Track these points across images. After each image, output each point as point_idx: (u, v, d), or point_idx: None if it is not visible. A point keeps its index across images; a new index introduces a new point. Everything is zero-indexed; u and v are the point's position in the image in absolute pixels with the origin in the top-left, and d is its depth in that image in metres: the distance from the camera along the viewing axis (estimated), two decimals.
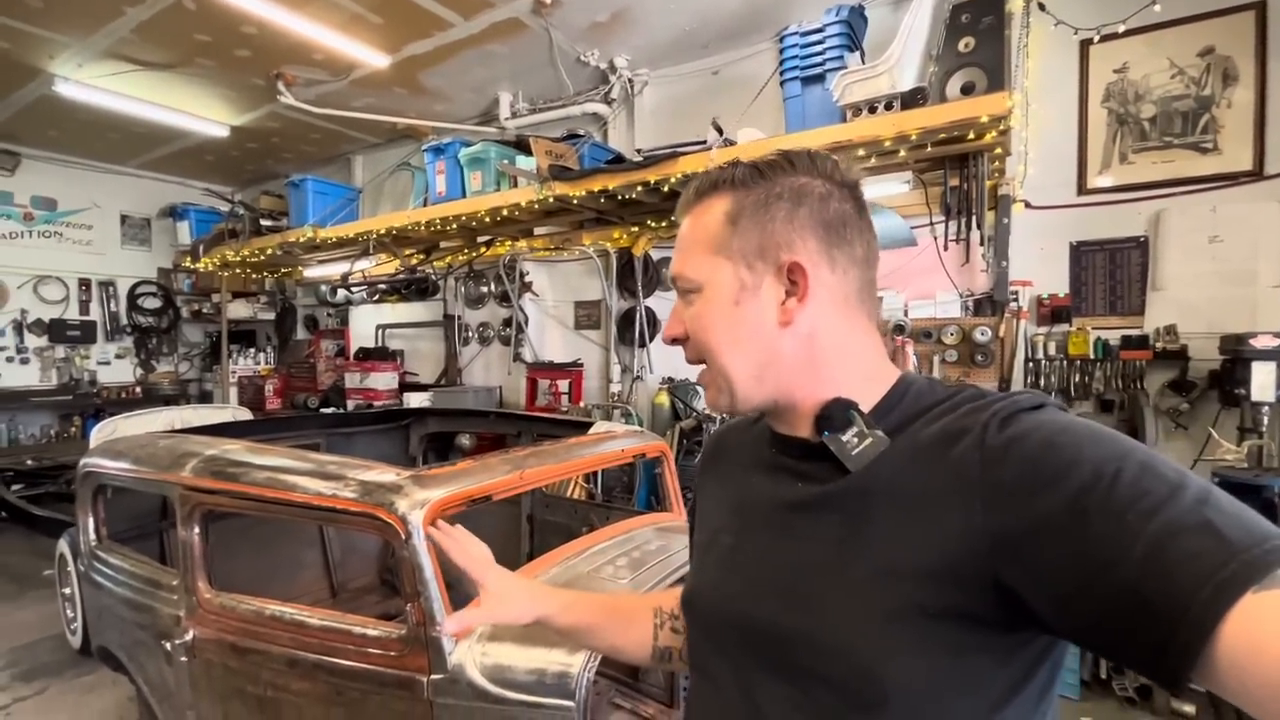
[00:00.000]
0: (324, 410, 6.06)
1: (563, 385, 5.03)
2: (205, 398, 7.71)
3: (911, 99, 2.80)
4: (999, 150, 2.98)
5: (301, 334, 7.63)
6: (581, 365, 5.02)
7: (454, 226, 4.55)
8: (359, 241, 5.16)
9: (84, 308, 7.11)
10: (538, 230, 5.09)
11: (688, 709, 0.80)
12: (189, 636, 1.78)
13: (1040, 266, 3.57)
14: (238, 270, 6.55)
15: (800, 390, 0.69)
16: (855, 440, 0.64)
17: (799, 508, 0.68)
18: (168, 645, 1.79)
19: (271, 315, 7.69)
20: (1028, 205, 3.54)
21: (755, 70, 4.21)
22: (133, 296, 7.41)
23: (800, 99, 3.30)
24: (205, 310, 7.78)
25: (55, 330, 6.85)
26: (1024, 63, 3.40)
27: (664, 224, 4.37)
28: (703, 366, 0.73)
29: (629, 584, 1.69)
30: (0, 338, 6.54)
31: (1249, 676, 0.41)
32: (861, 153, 2.92)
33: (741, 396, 0.70)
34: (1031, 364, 3.50)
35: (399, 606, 3.29)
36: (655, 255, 4.76)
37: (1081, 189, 3.52)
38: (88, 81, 4.91)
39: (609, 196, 3.77)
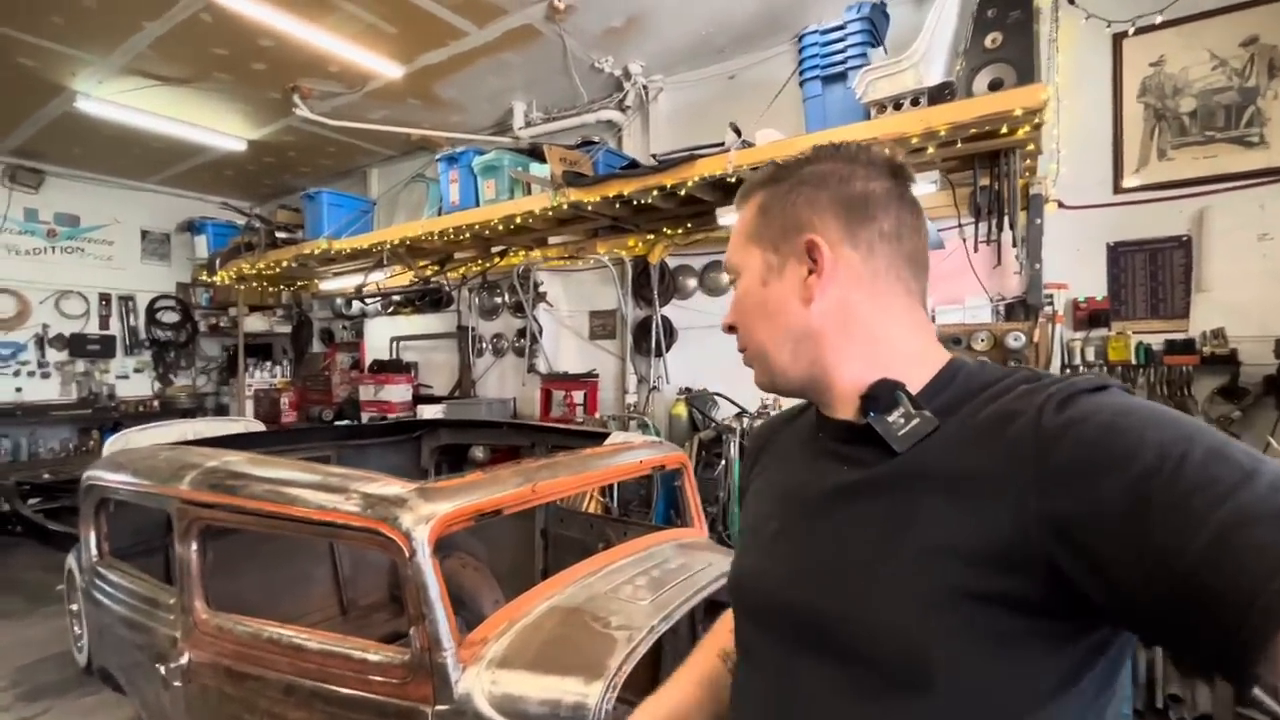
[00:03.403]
0: (337, 423, 6.02)
1: (578, 396, 4.93)
2: (222, 411, 7.72)
3: (939, 94, 2.69)
4: (1031, 147, 2.85)
5: (318, 347, 7.63)
6: (597, 376, 4.92)
7: (466, 236, 4.49)
8: (373, 253, 5.12)
9: (104, 322, 7.17)
10: (552, 239, 5.02)
11: (734, 693, 0.79)
12: (185, 660, 1.69)
13: (1076, 268, 3.41)
14: (254, 284, 6.56)
15: (837, 367, 0.69)
16: (902, 421, 0.63)
17: (845, 492, 0.67)
18: (162, 669, 1.69)
19: (288, 328, 7.71)
20: (1061, 205, 3.39)
21: (772, 73, 4.13)
22: (151, 311, 7.46)
23: (821, 99, 3.20)
24: (222, 324, 7.81)
25: (75, 345, 6.91)
26: (1054, 58, 3.28)
27: (680, 231, 4.28)
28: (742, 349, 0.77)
29: (649, 605, 1.56)
30: (22, 352, 6.60)
31: None
32: (887, 152, 2.80)
33: (779, 372, 0.73)
34: (1068, 370, 3.33)
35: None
36: (671, 263, 4.67)
37: (1118, 187, 3.37)
38: (108, 98, 4.96)
39: (624, 202, 3.68)
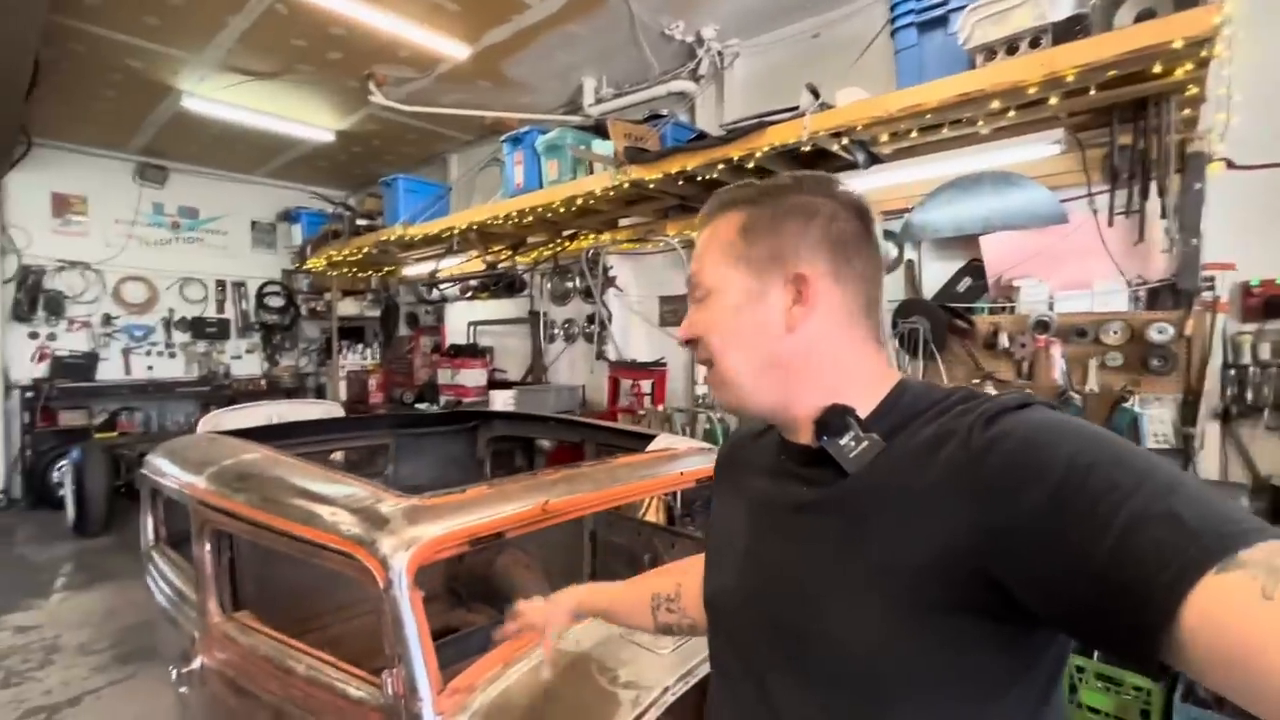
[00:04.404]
0: (417, 405, 6.18)
1: (645, 386, 4.71)
2: (320, 391, 8.20)
3: (1067, 31, 2.18)
4: (1193, 91, 2.27)
5: (404, 330, 7.91)
6: (665, 365, 4.68)
7: (530, 220, 4.36)
8: (444, 239, 5.13)
9: (220, 306, 7.79)
10: (621, 221, 4.80)
11: (709, 711, 0.84)
12: (197, 664, 1.64)
13: (1247, 244, 2.73)
14: (344, 269, 6.84)
15: (800, 397, 0.72)
16: (852, 444, 0.66)
17: (803, 510, 0.71)
18: (174, 673, 1.65)
19: (377, 312, 8.03)
20: (1230, 165, 2.72)
21: (862, 29, 3.65)
22: (260, 296, 8.01)
23: (916, 49, 2.74)
24: (319, 308, 8.27)
25: (196, 327, 7.54)
26: None
27: None
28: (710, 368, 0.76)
29: (670, 655, 1.32)
30: (152, 334, 7.28)
31: (1210, 654, 0.42)
32: (996, 105, 2.33)
33: (746, 395, 0.74)
34: (1234, 370, 2.70)
35: (462, 619, 3.13)
36: None
37: None
38: (210, 95, 5.25)
39: (689, 179, 3.39)
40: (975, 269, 3.36)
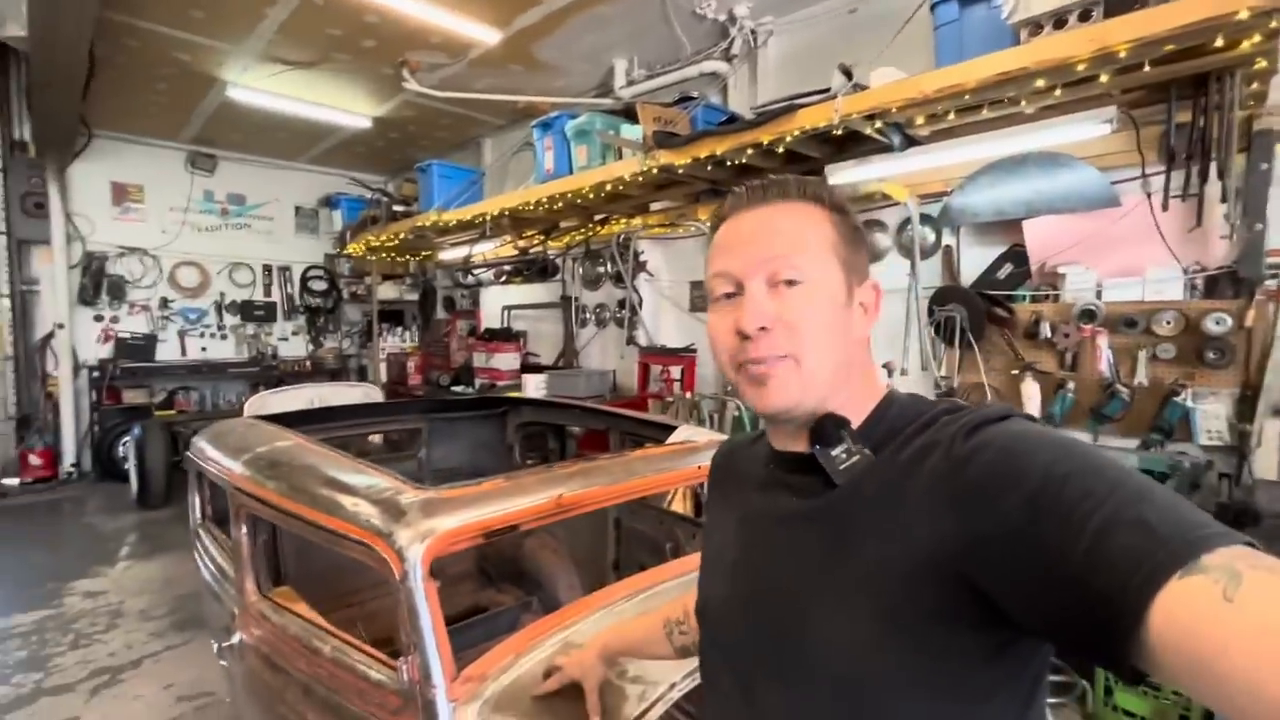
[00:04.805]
0: (453, 388, 6.32)
1: (675, 372, 4.71)
2: (362, 373, 8.46)
3: (1120, 2, 2.04)
4: (1261, 65, 2.10)
5: (442, 314, 8.06)
6: (695, 351, 4.65)
7: (560, 206, 4.36)
8: (477, 224, 5.19)
9: (267, 290, 8.08)
10: (652, 205, 4.77)
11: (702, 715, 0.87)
12: (236, 639, 1.73)
13: None
14: (383, 254, 6.99)
15: (836, 398, 0.71)
16: (844, 456, 0.68)
17: (791, 521, 0.72)
18: (216, 646, 1.75)
19: (415, 296, 8.20)
20: None
21: (900, 3, 3.48)
22: (304, 279, 8.27)
23: (956, 24, 2.61)
24: (359, 292, 8.49)
25: (245, 310, 7.85)
26: None
27: None
28: (762, 359, 0.70)
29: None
30: (205, 317, 7.62)
31: (1175, 657, 0.43)
32: (1041, 84, 2.21)
33: (815, 392, 0.71)
34: None
35: (491, 599, 3.21)
36: None
37: None
38: (252, 85, 5.40)
39: (718, 163, 3.33)
40: (1017, 255, 3.22)
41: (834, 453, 0.68)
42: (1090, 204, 2.89)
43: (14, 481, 6.21)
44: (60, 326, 6.47)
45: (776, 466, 0.78)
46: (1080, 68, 2.08)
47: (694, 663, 1.28)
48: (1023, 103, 2.41)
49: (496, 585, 3.22)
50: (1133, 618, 0.44)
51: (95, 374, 6.60)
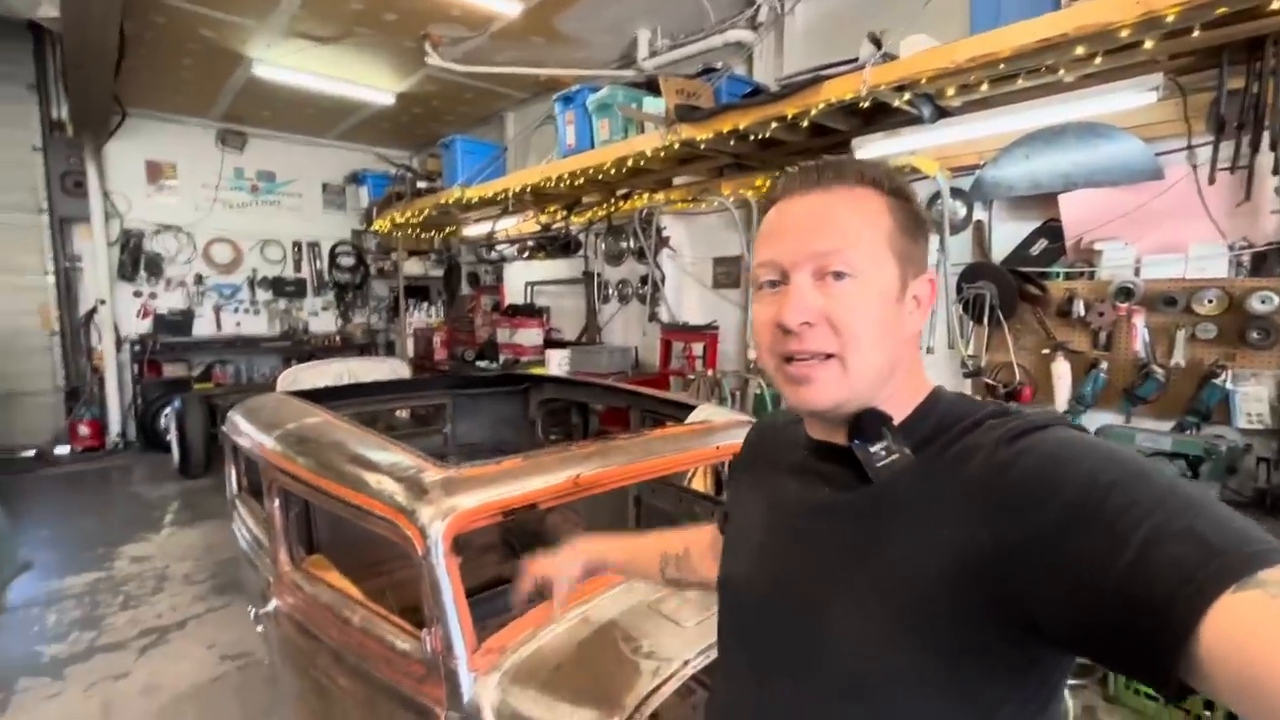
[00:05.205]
0: (478, 363, 6.41)
1: (697, 349, 4.69)
2: (390, 348, 8.61)
3: None
4: None
5: (466, 290, 8.13)
6: (717, 328, 4.63)
7: (581, 182, 4.33)
8: (499, 200, 5.19)
9: (297, 266, 8.23)
10: (676, 180, 4.71)
11: (712, 693, 0.88)
12: (271, 607, 1.81)
13: None
14: (408, 230, 7.05)
15: (880, 394, 0.69)
16: (883, 453, 0.66)
17: (821, 511, 0.72)
18: (252, 612, 1.84)
19: (440, 272, 8.27)
20: None
21: None
22: (332, 255, 8.40)
23: None
24: (386, 268, 8.59)
25: (277, 286, 8.02)
26: None
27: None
28: (803, 356, 0.68)
29: (693, 628, 1.35)
30: (239, 293, 7.81)
31: (1226, 672, 0.41)
32: (1081, 51, 2.10)
33: (859, 394, 0.68)
34: None
35: (516, 569, 3.30)
36: None
37: None
38: (277, 62, 5.43)
39: (741, 137, 3.26)
40: (1051, 230, 3.11)
41: (873, 449, 0.66)
42: (1132, 176, 2.77)
43: (65, 450, 6.52)
44: (102, 302, 6.70)
45: (812, 454, 0.76)
46: (1124, 33, 1.97)
47: (707, 640, 1.31)
48: (1060, 71, 2.30)
49: (520, 557, 3.29)
50: (1182, 630, 0.43)
51: (136, 348, 6.83)
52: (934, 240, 3.44)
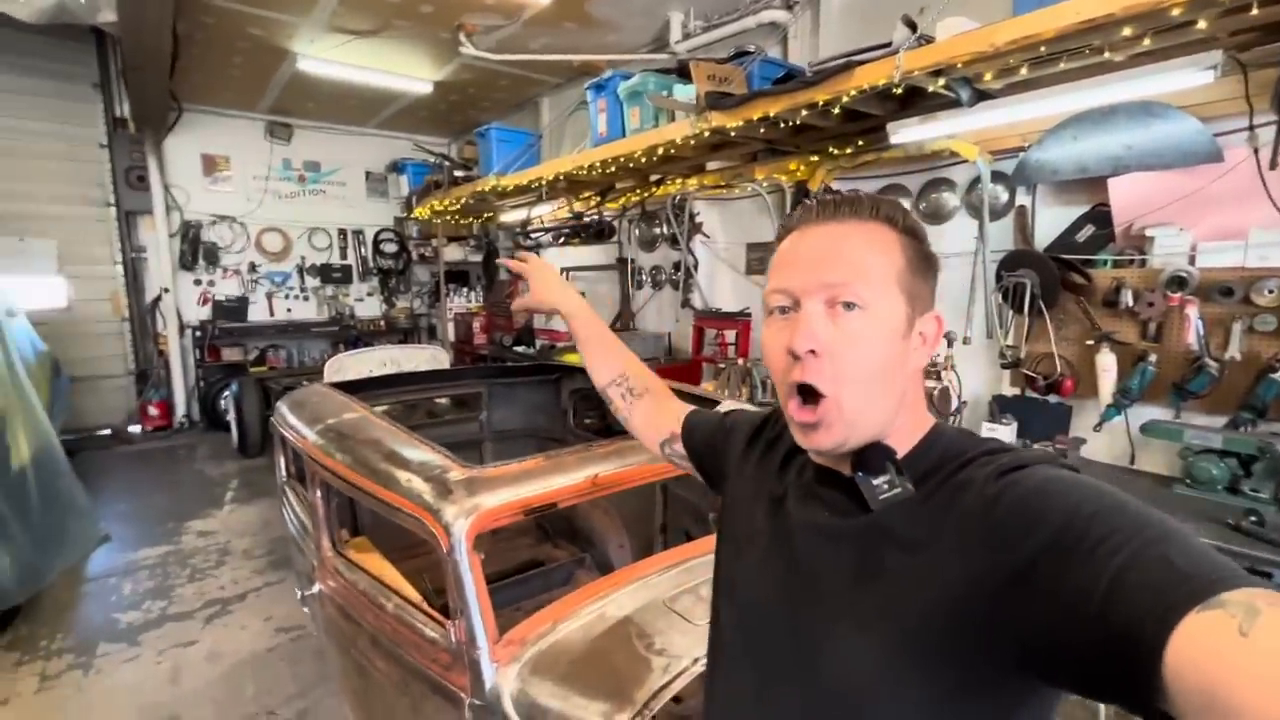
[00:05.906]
0: (515, 348, 6.54)
1: (729, 336, 4.68)
2: (432, 331, 8.85)
3: None
4: None
5: (504, 275, 8.25)
6: (749, 315, 4.60)
7: (613, 169, 4.34)
8: (534, 188, 5.24)
9: (343, 253, 8.50)
10: (710, 165, 4.66)
11: (708, 688, 0.91)
12: (315, 589, 1.94)
13: None
14: (447, 217, 7.19)
15: (887, 428, 0.71)
16: (885, 486, 0.68)
17: (822, 535, 0.74)
18: (299, 593, 1.97)
19: (479, 257, 8.42)
20: None
21: None
22: (376, 242, 8.64)
23: None
24: (427, 254, 8.79)
25: (324, 273, 8.32)
26: None
27: (848, 150, 3.66)
28: (810, 385, 0.69)
29: (707, 625, 1.40)
30: (289, 280, 8.13)
31: (1189, 693, 0.42)
32: (1129, 32, 1.99)
33: (860, 432, 0.70)
34: None
35: (548, 554, 3.40)
36: (839, 189, 4.05)
37: None
38: (320, 56, 5.57)
39: (772, 124, 3.20)
40: (1100, 216, 2.97)
41: (876, 481, 0.68)
42: (1188, 159, 2.62)
43: (137, 429, 6.99)
44: (166, 290, 7.10)
45: (816, 479, 0.78)
46: (1175, 12, 1.85)
47: None
48: (1107, 52, 2.18)
49: (553, 541, 3.40)
50: (1152, 653, 0.43)
51: (197, 334, 7.23)
52: (972, 227, 3.33)
